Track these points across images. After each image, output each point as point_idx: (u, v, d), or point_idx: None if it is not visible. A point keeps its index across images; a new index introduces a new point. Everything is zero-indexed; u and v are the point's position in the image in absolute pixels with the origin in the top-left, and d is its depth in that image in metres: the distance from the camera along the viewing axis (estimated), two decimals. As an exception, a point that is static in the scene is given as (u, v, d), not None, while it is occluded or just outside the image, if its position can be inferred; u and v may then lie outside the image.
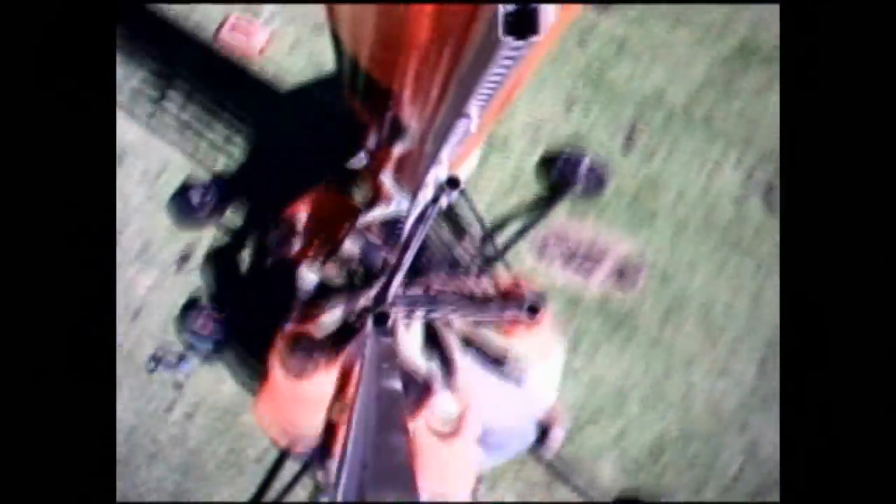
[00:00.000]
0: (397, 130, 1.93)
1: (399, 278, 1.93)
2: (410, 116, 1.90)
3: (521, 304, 1.85)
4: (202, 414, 3.08)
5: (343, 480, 1.42)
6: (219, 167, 3.61)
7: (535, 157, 3.71)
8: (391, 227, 2.32)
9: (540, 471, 2.97)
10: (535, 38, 0.94)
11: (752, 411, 3.22)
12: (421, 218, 1.95)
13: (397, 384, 1.73)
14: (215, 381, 3.12)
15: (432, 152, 1.83)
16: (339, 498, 1.42)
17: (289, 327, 2.24)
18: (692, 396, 3.23)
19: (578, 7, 1.84)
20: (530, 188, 3.64)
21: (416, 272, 2.25)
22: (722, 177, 3.81)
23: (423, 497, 2.29)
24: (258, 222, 3.41)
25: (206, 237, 3.40)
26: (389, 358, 1.91)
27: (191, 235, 3.40)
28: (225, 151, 3.64)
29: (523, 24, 0.95)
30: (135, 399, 3.09)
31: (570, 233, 3.56)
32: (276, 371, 2.15)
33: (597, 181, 3.60)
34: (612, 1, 4.10)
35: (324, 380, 2.11)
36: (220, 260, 3.34)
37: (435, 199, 1.93)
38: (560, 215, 3.58)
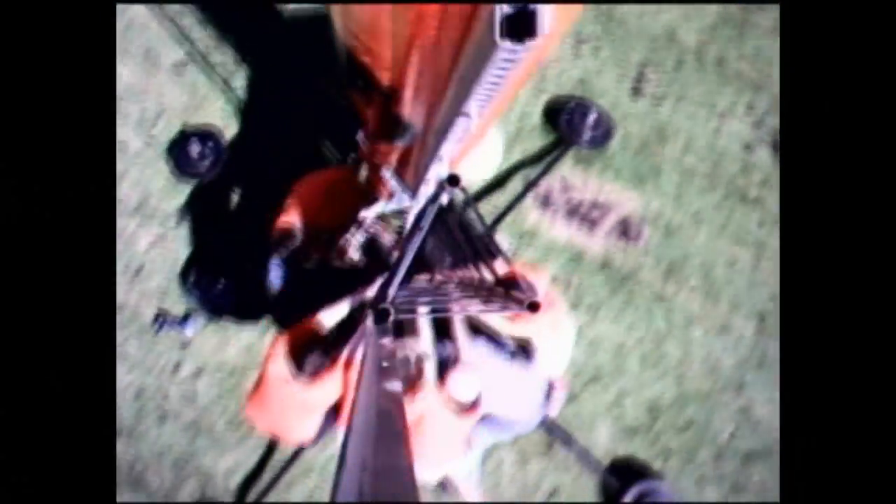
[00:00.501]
0: (397, 126, 1.88)
1: (400, 275, 1.92)
2: (409, 113, 1.85)
3: (521, 302, 1.84)
4: (210, 373, 3.13)
5: (342, 481, 1.45)
6: (219, 111, 3.53)
7: (541, 106, 3.62)
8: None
9: (538, 433, 3.05)
10: (533, 42, 0.90)
11: (748, 370, 3.27)
12: (422, 214, 1.93)
13: (398, 384, 1.75)
14: (221, 341, 3.15)
15: (432, 149, 1.79)
16: (339, 498, 1.44)
17: (292, 329, 2.23)
18: (691, 356, 3.28)
19: (578, 7, 1.74)
20: (535, 139, 3.56)
21: (417, 267, 2.24)
22: (732, 124, 3.71)
23: (422, 461, 2.37)
24: (260, 176, 3.36)
25: (207, 190, 3.36)
26: (390, 357, 1.92)
27: (191, 188, 3.37)
28: (225, 94, 3.55)
29: (521, 27, 0.90)
30: (142, 359, 3.13)
31: (575, 184, 3.51)
32: (277, 375, 2.14)
33: (604, 133, 3.51)
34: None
35: (329, 384, 2.12)
36: (220, 217, 3.31)
37: (436, 196, 1.90)
38: (565, 166, 3.52)
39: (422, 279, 2.29)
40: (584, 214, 3.46)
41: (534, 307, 1.94)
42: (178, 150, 3.37)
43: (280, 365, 2.11)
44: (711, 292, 3.37)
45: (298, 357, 2.11)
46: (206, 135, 3.37)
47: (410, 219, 2.03)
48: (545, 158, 3.50)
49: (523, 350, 2.30)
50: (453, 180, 1.80)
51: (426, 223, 1.90)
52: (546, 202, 3.46)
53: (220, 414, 3.08)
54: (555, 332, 2.35)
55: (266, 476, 3.00)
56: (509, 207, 3.33)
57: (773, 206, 3.55)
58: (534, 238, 3.38)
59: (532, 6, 0.89)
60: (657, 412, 3.21)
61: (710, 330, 3.32)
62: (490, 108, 1.46)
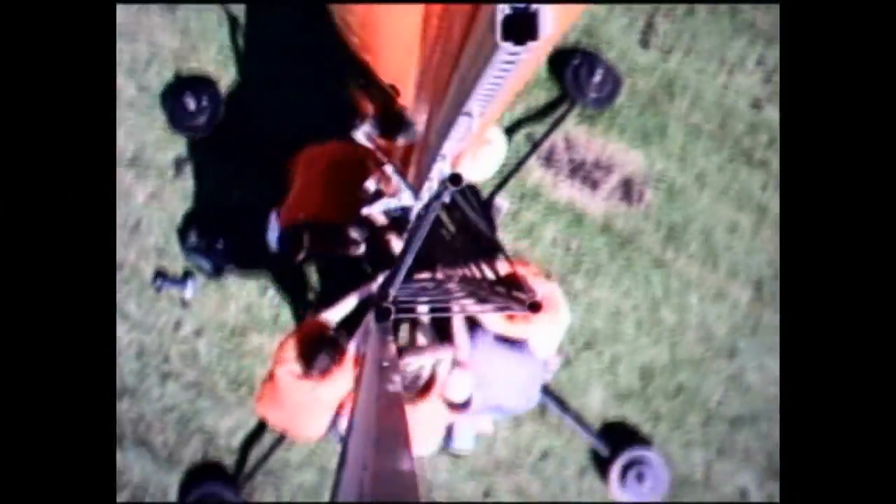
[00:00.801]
0: (399, 124, 1.82)
1: (402, 273, 1.91)
2: (411, 111, 1.79)
3: (522, 302, 1.85)
4: (210, 332, 3.16)
5: (343, 480, 1.49)
6: (213, 56, 3.39)
7: (545, 57, 3.47)
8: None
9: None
10: (533, 44, 0.88)
11: (742, 337, 3.31)
12: (425, 212, 1.90)
13: (398, 385, 1.77)
14: (222, 300, 3.17)
15: (434, 147, 1.75)
16: (339, 498, 1.47)
17: (300, 328, 2.25)
18: (686, 322, 3.31)
19: (580, 7, 1.66)
20: (539, 92, 3.45)
21: (419, 265, 2.22)
22: (741, 79, 3.58)
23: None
24: (259, 129, 3.28)
25: (204, 144, 3.27)
26: (390, 356, 1.94)
27: (187, 141, 3.28)
28: (219, 36, 3.39)
29: (522, 29, 0.88)
30: (143, 316, 3.15)
31: (578, 142, 3.44)
32: (288, 375, 2.17)
33: (610, 92, 3.39)
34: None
35: (340, 381, 2.15)
36: (217, 173, 3.25)
37: (438, 195, 1.87)
38: (569, 122, 3.42)
39: (423, 277, 2.29)
40: (587, 174, 3.41)
41: (535, 307, 1.95)
42: (173, 103, 3.23)
43: (290, 365, 2.15)
44: (710, 258, 3.37)
45: (308, 355, 2.15)
46: (201, 86, 3.23)
47: (413, 217, 2.00)
48: (549, 115, 3.40)
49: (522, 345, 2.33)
50: (455, 179, 1.77)
51: (428, 221, 1.88)
52: (549, 160, 3.40)
53: (221, 374, 3.14)
54: (552, 326, 2.38)
55: (268, 436, 3.10)
56: (513, 170, 3.27)
57: (777, 168, 3.49)
58: (535, 199, 3.34)
59: (533, 7, 0.86)
60: (649, 378, 3.28)
61: (707, 297, 3.34)
62: (492, 107, 1.43)
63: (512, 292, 1.96)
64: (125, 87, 3.35)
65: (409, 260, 1.91)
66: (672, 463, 3.21)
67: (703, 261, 3.37)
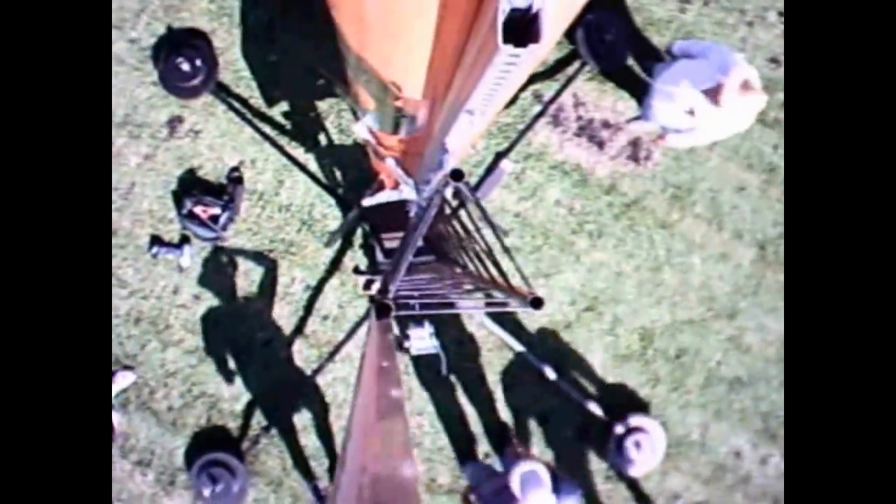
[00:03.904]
0: (400, 119, 1.75)
1: (404, 269, 1.87)
2: (412, 107, 1.72)
3: (524, 297, 1.82)
4: (209, 297, 3.15)
5: (342, 484, 1.50)
6: (204, 9, 3.22)
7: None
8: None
9: (532, 362, 3.17)
10: (533, 47, 0.89)
11: (743, 297, 3.29)
12: (426, 207, 1.84)
13: (398, 388, 1.76)
14: (219, 265, 3.14)
15: (437, 143, 1.70)
16: (339, 501, 1.50)
17: None
18: (688, 283, 3.28)
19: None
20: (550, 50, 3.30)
21: (420, 261, 2.17)
22: (760, 34, 3.42)
23: None
24: (255, 87, 3.16)
25: (199, 102, 3.16)
26: (390, 356, 1.92)
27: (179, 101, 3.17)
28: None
29: (522, 31, 0.88)
30: (141, 283, 3.13)
31: (587, 100, 3.32)
32: None
33: (621, 55, 3.24)
34: None
35: None
36: (214, 135, 3.15)
37: (440, 190, 1.81)
38: (577, 80, 3.28)
39: (425, 273, 2.24)
40: (594, 133, 3.31)
41: (537, 304, 1.92)
42: (165, 66, 3.07)
43: None
44: (715, 219, 3.31)
45: None
46: (194, 43, 3.09)
47: (414, 211, 1.95)
48: (558, 74, 3.27)
49: None
50: (457, 175, 1.72)
51: (429, 216, 1.83)
52: (556, 118, 3.29)
53: (221, 340, 3.15)
54: None
55: (271, 400, 3.14)
56: (521, 133, 3.19)
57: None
58: (540, 160, 3.26)
59: (534, 9, 0.86)
60: (650, 339, 3.28)
61: (710, 258, 3.30)
62: (494, 105, 1.38)
63: (513, 288, 1.92)
64: (113, 41, 3.20)
65: (409, 255, 1.87)
66: (669, 425, 3.25)
67: (708, 222, 3.31)
